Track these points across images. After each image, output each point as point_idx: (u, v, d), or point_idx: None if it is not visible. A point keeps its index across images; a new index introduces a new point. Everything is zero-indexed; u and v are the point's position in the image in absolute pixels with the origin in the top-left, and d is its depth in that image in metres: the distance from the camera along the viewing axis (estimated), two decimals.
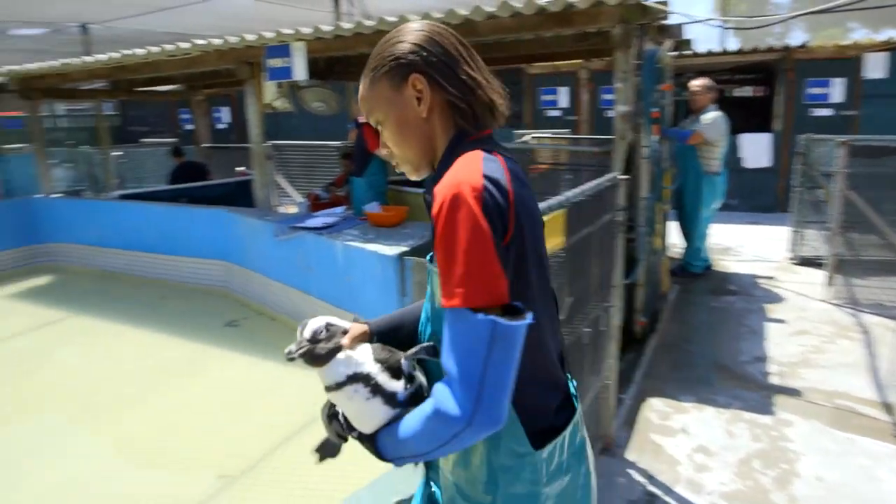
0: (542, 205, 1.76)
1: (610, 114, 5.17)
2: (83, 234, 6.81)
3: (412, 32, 0.99)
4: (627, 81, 3.56)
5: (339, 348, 1.01)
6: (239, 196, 7.13)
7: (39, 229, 7.02)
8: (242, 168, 8.53)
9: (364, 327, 1.11)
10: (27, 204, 7.07)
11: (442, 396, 0.87)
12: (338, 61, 6.18)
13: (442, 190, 0.87)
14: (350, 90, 7.71)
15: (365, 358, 1.02)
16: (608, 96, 9.06)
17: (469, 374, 0.83)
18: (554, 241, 1.83)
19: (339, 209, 4.87)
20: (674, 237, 5.64)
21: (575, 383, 1.09)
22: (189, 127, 11.52)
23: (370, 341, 1.09)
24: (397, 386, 1.00)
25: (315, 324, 1.02)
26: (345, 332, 1.05)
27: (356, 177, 5.47)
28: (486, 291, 0.83)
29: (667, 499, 2.51)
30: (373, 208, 4.48)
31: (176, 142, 9.89)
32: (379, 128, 1.05)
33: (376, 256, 3.76)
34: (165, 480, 2.94)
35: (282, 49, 4.44)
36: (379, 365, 1.01)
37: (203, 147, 9.03)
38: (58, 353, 4.66)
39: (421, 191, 4.90)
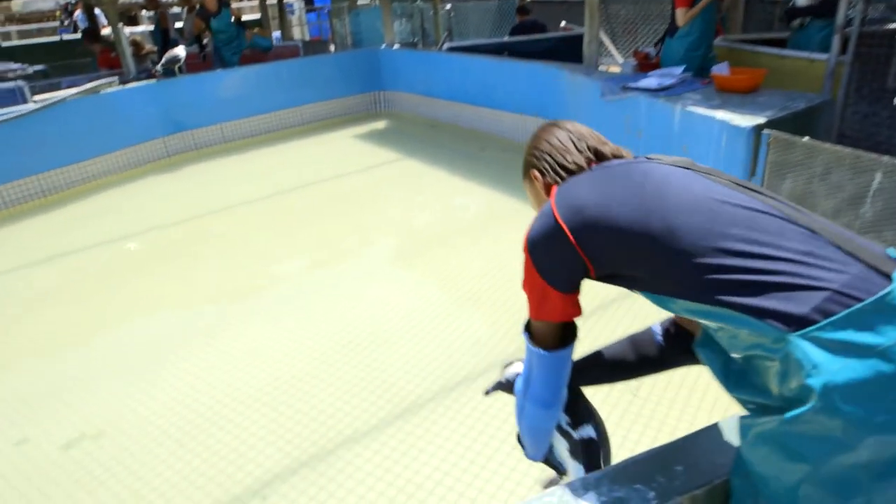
0: None
1: None
2: (416, 84, 7.32)
3: (532, 138, 1.30)
4: None
5: None
6: (561, 52, 6.80)
7: (381, 77, 7.75)
8: (565, 23, 8.10)
9: None
10: (372, 54, 7.78)
11: (519, 382, 1.32)
12: None
13: None
14: None
15: None
16: None
17: (525, 369, 1.26)
18: None
19: (678, 69, 4.25)
20: None
21: None
22: None
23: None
24: None
25: (508, 372, 1.45)
26: None
27: (669, 37, 4.64)
28: (541, 313, 1.16)
29: None
30: (721, 69, 3.79)
31: None
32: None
33: (725, 126, 3.19)
34: (464, 314, 3.11)
35: None
36: None
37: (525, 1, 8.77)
38: (388, 191, 5.18)
39: (784, 51, 3.87)
